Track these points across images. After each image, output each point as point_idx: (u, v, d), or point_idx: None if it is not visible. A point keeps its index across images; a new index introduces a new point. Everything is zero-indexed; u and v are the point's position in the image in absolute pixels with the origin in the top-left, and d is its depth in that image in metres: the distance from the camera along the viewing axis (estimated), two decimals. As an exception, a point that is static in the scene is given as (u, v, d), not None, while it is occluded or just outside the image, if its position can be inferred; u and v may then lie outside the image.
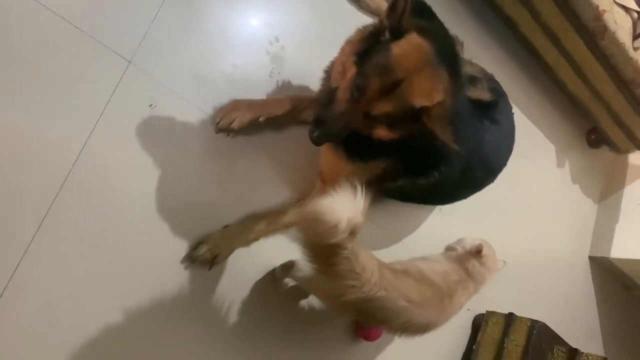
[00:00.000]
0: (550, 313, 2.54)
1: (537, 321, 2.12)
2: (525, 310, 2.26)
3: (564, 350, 2.09)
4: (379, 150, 1.56)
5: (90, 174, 1.38)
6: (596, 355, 2.02)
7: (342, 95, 1.37)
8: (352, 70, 1.36)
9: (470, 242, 1.77)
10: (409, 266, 1.52)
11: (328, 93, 1.45)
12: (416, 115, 1.33)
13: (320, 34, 1.89)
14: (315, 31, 1.90)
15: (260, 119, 1.60)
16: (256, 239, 1.60)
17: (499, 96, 1.97)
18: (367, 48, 1.35)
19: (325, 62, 1.60)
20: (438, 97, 1.32)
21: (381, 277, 1.30)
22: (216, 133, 1.57)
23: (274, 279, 1.65)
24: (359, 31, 1.47)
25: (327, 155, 1.64)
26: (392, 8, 1.30)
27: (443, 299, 1.51)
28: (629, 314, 3.14)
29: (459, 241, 1.84)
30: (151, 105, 1.49)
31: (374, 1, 2.09)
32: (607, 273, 3.03)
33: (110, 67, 1.44)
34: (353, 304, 1.29)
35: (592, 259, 2.97)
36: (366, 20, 1.92)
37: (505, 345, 2.12)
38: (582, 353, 2.04)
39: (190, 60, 1.60)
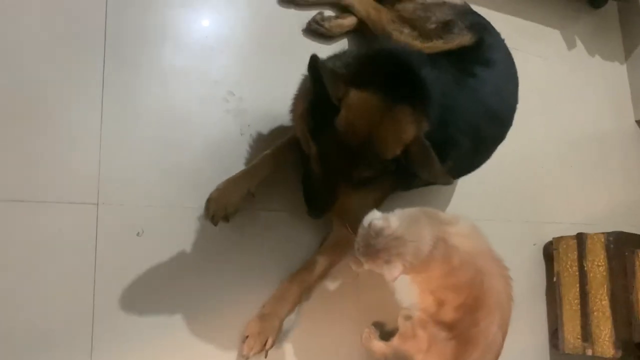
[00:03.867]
0: (622, 211, 2.41)
1: (610, 233, 1.97)
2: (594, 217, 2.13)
3: (648, 248, 1.96)
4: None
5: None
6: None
7: (316, 170, 1.36)
8: (313, 147, 1.32)
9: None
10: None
11: (303, 164, 1.46)
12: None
13: (272, 69, 1.72)
14: (265, 68, 1.73)
15: (250, 190, 1.49)
16: (298, 302, 1.54)
17: (480, 31, 1.76)
18: (316, 122, 1.28)
19: (289, 96, 1.47)
20: (409, 136, 1.23)
21: None
22: (216, 226, 1.47)
23: None
24: (302, 93, 1.42)
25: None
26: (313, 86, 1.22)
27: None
28: None
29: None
30: (139, 233, 1.41)
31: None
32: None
33: (81, 219, 1.35)
34: None
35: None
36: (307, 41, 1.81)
37: (585, 268, 2.01)
38: (669, 244, 1.91)
39: (156, 166, 1.48)
